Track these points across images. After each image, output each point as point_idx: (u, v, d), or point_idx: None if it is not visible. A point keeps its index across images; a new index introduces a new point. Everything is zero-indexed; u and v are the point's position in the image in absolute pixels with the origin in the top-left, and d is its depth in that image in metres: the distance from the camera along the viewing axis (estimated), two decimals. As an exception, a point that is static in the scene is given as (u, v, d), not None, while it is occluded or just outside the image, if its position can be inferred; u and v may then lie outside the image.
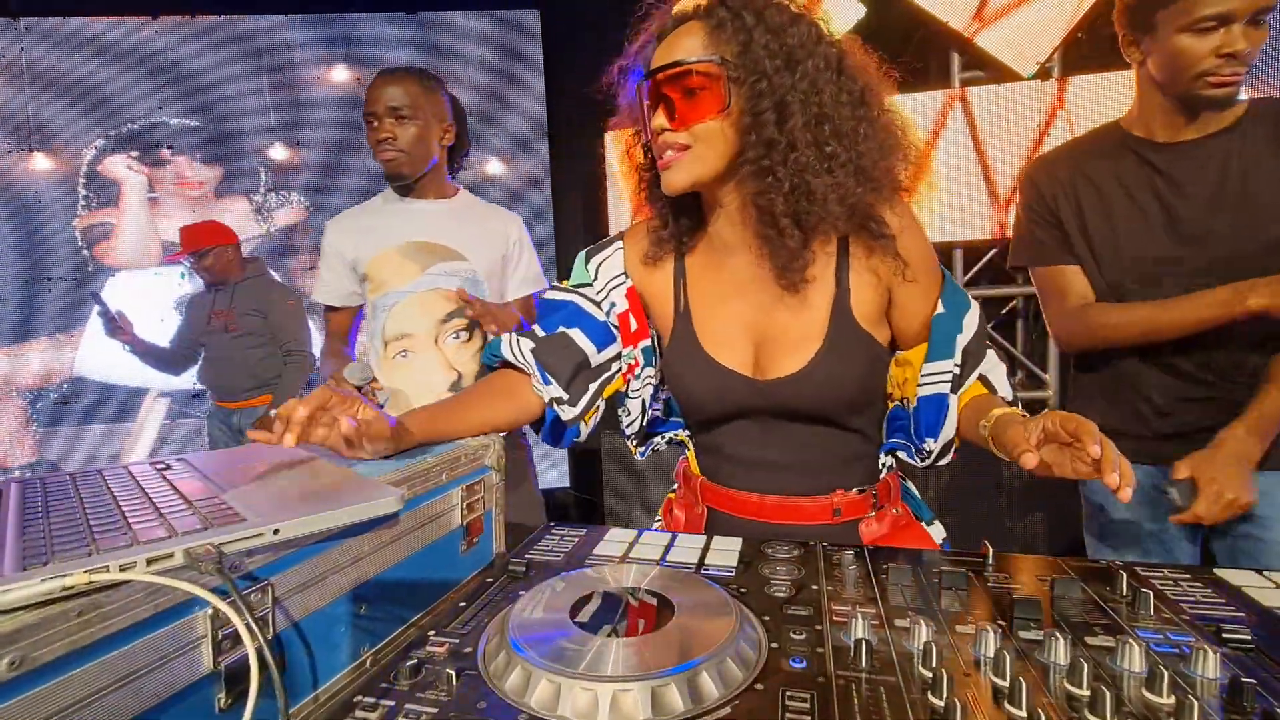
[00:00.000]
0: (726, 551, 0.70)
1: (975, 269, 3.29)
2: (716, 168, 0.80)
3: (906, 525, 0.92)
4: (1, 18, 3.39)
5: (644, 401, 0.96)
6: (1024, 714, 0.41)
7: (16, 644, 0.35)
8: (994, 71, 3.09)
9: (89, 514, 0.49)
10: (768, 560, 0.68)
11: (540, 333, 0.94)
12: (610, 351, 0.94)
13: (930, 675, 0.46)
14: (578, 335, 0.92)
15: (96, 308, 2.78)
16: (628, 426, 0.99)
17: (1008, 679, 0.45)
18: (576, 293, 0.95)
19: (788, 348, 0.85)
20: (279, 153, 3.63)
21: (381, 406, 1.30)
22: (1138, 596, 0.56)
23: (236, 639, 0.46)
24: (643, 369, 0.95)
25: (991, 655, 0.47)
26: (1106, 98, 2.93)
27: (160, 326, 3.48)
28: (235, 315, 2.85)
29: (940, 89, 3.14)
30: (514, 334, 0.94)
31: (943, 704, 0.42)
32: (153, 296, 3.60)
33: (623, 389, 0.96)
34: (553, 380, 0.91)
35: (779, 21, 0.77)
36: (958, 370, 0.84)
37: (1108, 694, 0.41)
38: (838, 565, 0.65)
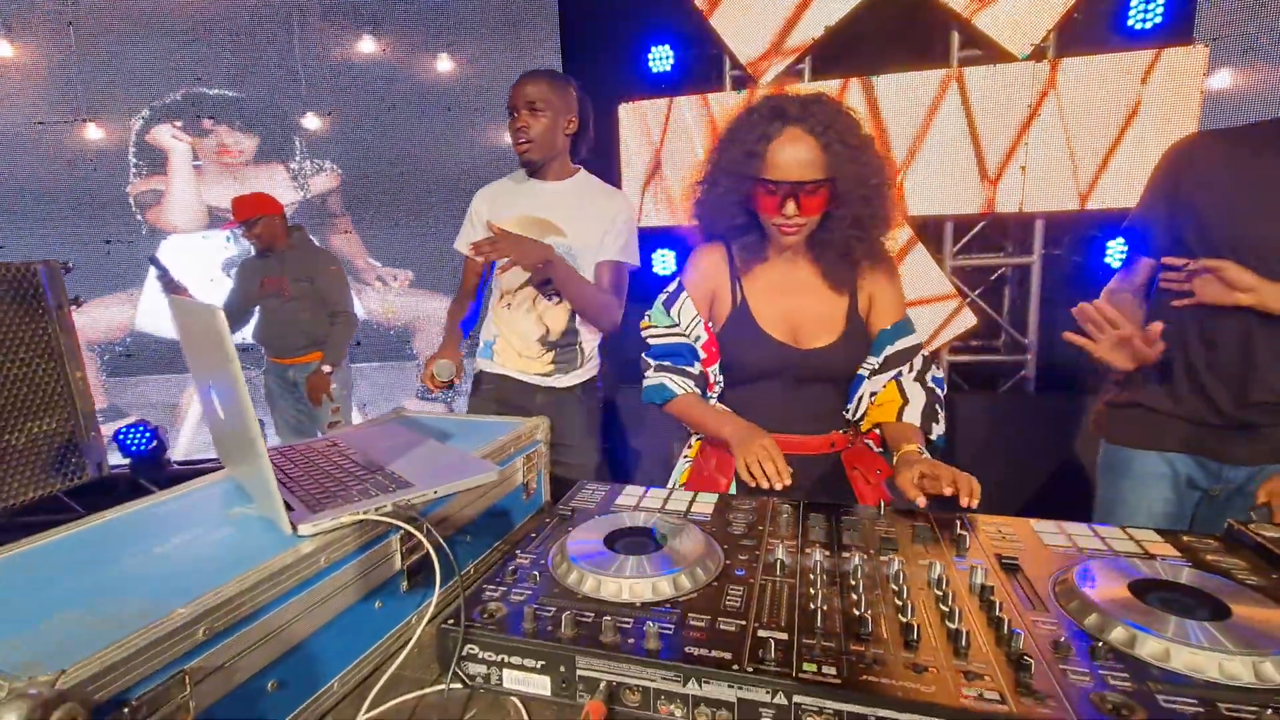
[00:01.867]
0: (705, 504, 1.03)
1: (965, 239, 3.51)
2: (811, 231, 1.26)
3: (865, 451, 1.36)
4: (50, -7, 3.58)
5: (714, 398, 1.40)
6: (859, 597, 0.74)
7: (325, 550, 0.68)
8: (991, 51, 3.23)
9: (319, 480, 0.82)
10: (733, 510, 1.00)
11: (685, 369, 1.35)
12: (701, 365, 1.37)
13: (815, 579, 0.78)
14: (697, 366, 1.35)
15: (154, 270, 3.08)
16: None
17: (857, 579, 0.77)
18: (676, 334, 1.36)
19: (819, 331, 1.30)
20: (312, 122, 3.86)
21: (452, 386, 1.67)
22: (961, 537, 0.88)
23: (411, 550, 0.79)
24: (718, 377, 1.38)
25: (852, 568, 0.80)
26: (1097, 80, 3.08)
27: (210, 286, 3.80)
28: (288, 281, 3.16)
29: (940, 68, 3.30)
30: (673, 378, 1.35)
31: (814, 593, 0.75)
32: (201, 258, 3.92)
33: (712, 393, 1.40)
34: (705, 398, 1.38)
35: (857, 144, 1.19)
36: (877, 366, 1.31)
37: (908, 587, 0.74)
38: (778, 514, 0.98)
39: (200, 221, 3.94)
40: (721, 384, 1.37)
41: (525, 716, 0.67)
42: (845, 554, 0.85)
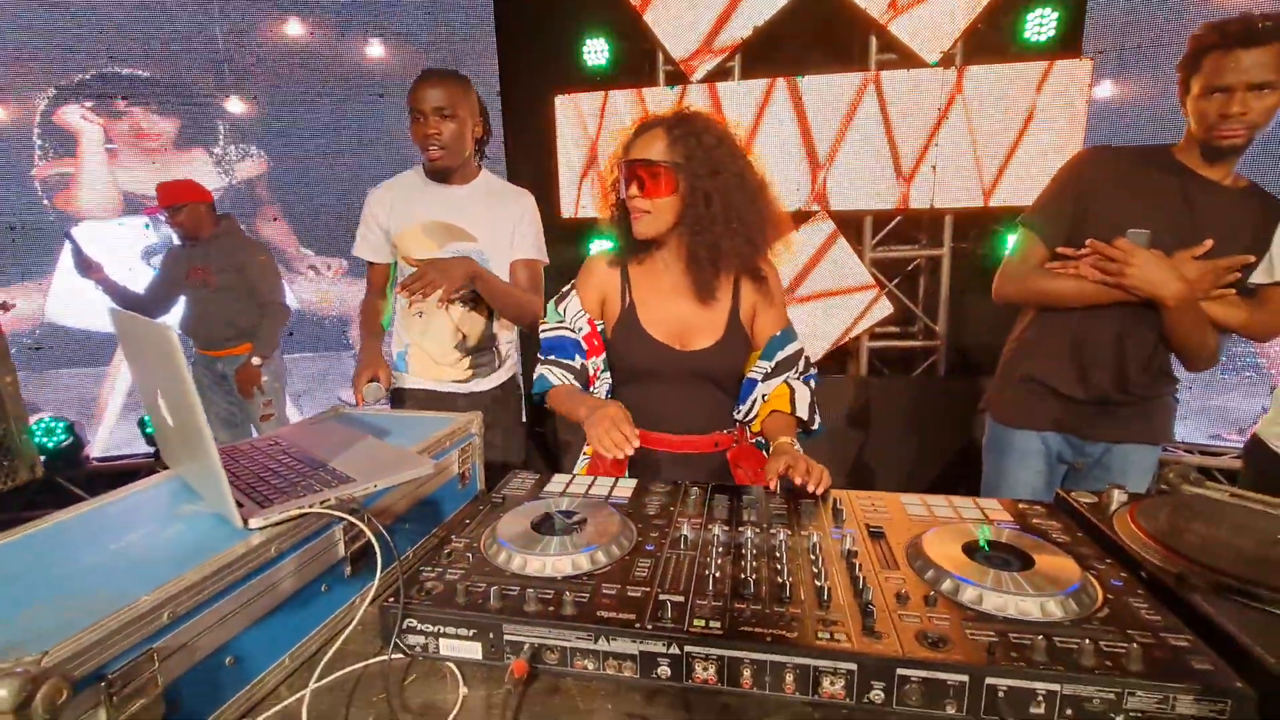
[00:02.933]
0: (625, 488, 1.15)
1: (882, 234, 3.74)
2: (667, 226, 1.32)
3: (749, 450, 1.46)
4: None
5: (605, 395, 1.44)
6: (747, 564, 0.87)
7: (275, 541, 0.76)
8: (905, 56, 3.44)
9: (265, 476, 0.89)
10: (649, 494, 1.13)
11: (566, 363, 1.41)
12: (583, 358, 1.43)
13: (712, 551, 0.92)
14: (578, 360, 1.42)
15: (69, 245, 2.98)
16: None
17: (747, 550, 0.91)
18: (564, 329, 1.43)
19: (701, 333, 1.39)
20: (236, 106, 3.73)
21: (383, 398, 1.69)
22: (840, 511, 1.03)
23: (354, 538, 0.88)
24: (603, 373, 1.44)
25: (745, 540, 0.94)
26: (998, 87, 3.34)
27: (128, 275, 3.65)
28: (213, 271, 3.09)
29: (859, 71, 3.49)
30: (552, 369, 1.41)
31: (709, 561, 0.88)
32: (118, 245, 3.75)
33: (595, 386, 1.45)
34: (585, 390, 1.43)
35: (710, 143, 1.27)
36: (769, 370, 1.42)
37: (787, 554, 0.88)
38: (687, 496, 1.11)
39: (115, 207, 3.76)
40: (608, 381, 1.44)
41: (459, 677, 0.77)
42: (741, 529, 0.99)
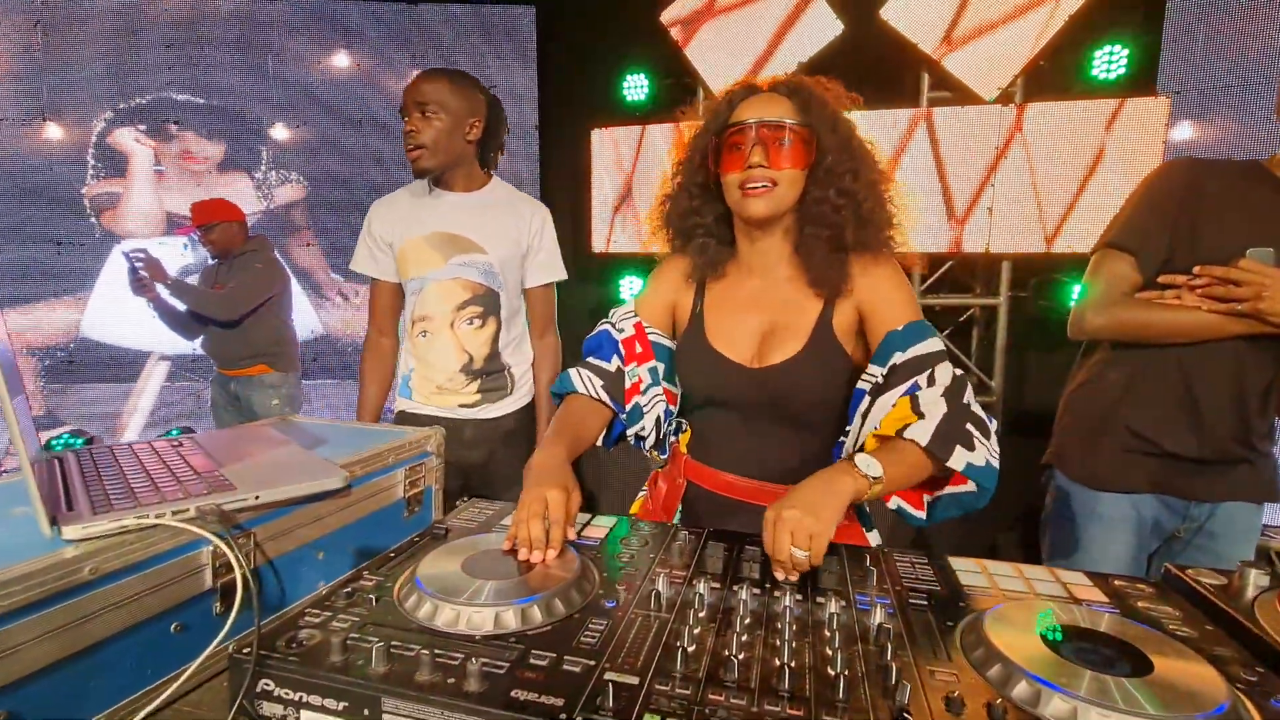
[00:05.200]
0: (601, 526, 0.93)
1: (932, 279, 3.49)
2: (788, 206, 1.04)
3: (848, 525, 1.09)
4: (19, -9, 3.53)
5: (658, 417, 1.17)
6: (735, 636, 0.64)
7: (92, 559, 0.57)
8: (959, 93, 3.26)
9: (129, 478, 0.71)
10: (631, 534, 0.90)
11: (600, 365, 1.15)
12: (621, 361, 1.17)
13: (691, 615, 0.68)
14: (615, 362, 1.16)
15: (126, 264, 3.00)
16: (645, 439, 1.18)
17: (737, 617, 0.67)
18: (607, 324, 1.20)
19: (778, 344, 1.07)
20: (280, 133, 3.80)
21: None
22: (871, 573, 0.79)
23: (229, 568, 0.68)
24: (649, 387, 1.15)
25: (738, 604, 0.70)
26: (1062, 126, 3.11)
27: (164, 291, 3.66)
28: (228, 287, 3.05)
29: (910, 107, 3.32)
30: (581, 371, 1.15)
31: (685, 630, 0.64)
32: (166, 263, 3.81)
33: (639, 400, 1.15)
34: (618, 405, 1.14)
35: (834, 113, 1.03)
36: (881, 378, 1.00)
37: (792, 627, 0.64)
38: (673, 542, 0.88)
39: (158, 227, 3.83)
40: (661, 401, 1.18)
41: (318, 770, 0.56)
42: (735, 588, 0.75)
